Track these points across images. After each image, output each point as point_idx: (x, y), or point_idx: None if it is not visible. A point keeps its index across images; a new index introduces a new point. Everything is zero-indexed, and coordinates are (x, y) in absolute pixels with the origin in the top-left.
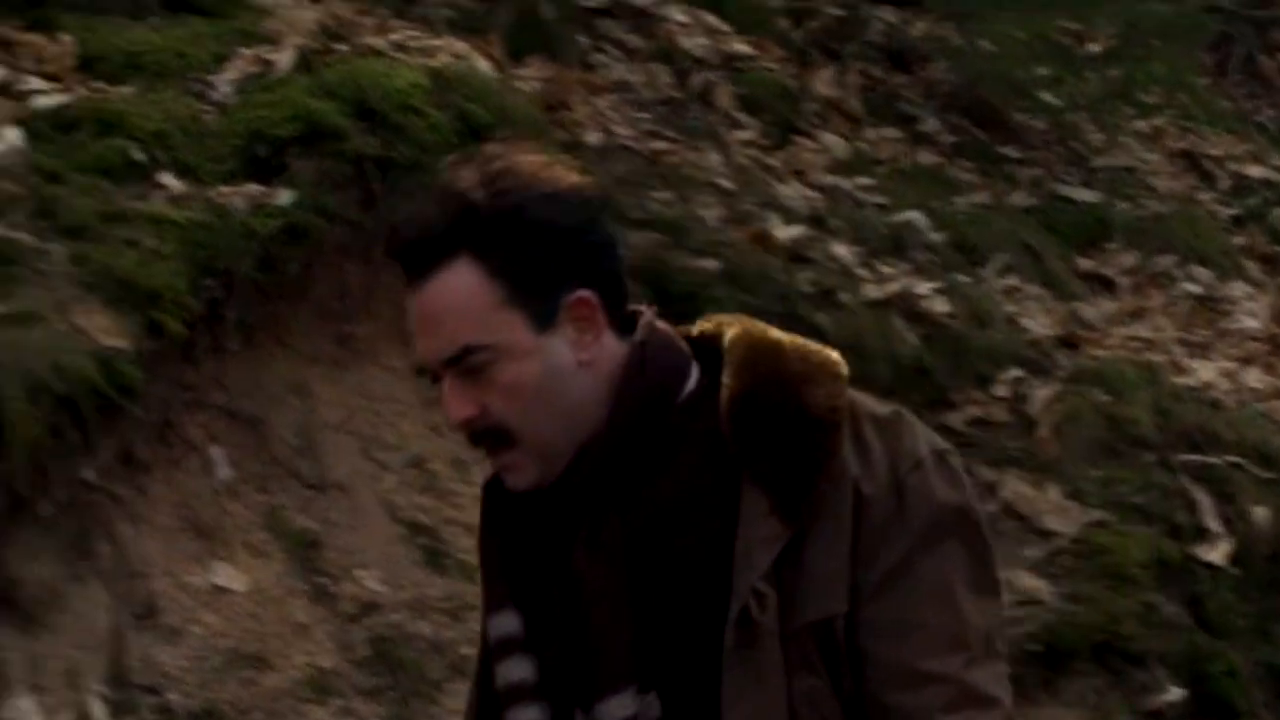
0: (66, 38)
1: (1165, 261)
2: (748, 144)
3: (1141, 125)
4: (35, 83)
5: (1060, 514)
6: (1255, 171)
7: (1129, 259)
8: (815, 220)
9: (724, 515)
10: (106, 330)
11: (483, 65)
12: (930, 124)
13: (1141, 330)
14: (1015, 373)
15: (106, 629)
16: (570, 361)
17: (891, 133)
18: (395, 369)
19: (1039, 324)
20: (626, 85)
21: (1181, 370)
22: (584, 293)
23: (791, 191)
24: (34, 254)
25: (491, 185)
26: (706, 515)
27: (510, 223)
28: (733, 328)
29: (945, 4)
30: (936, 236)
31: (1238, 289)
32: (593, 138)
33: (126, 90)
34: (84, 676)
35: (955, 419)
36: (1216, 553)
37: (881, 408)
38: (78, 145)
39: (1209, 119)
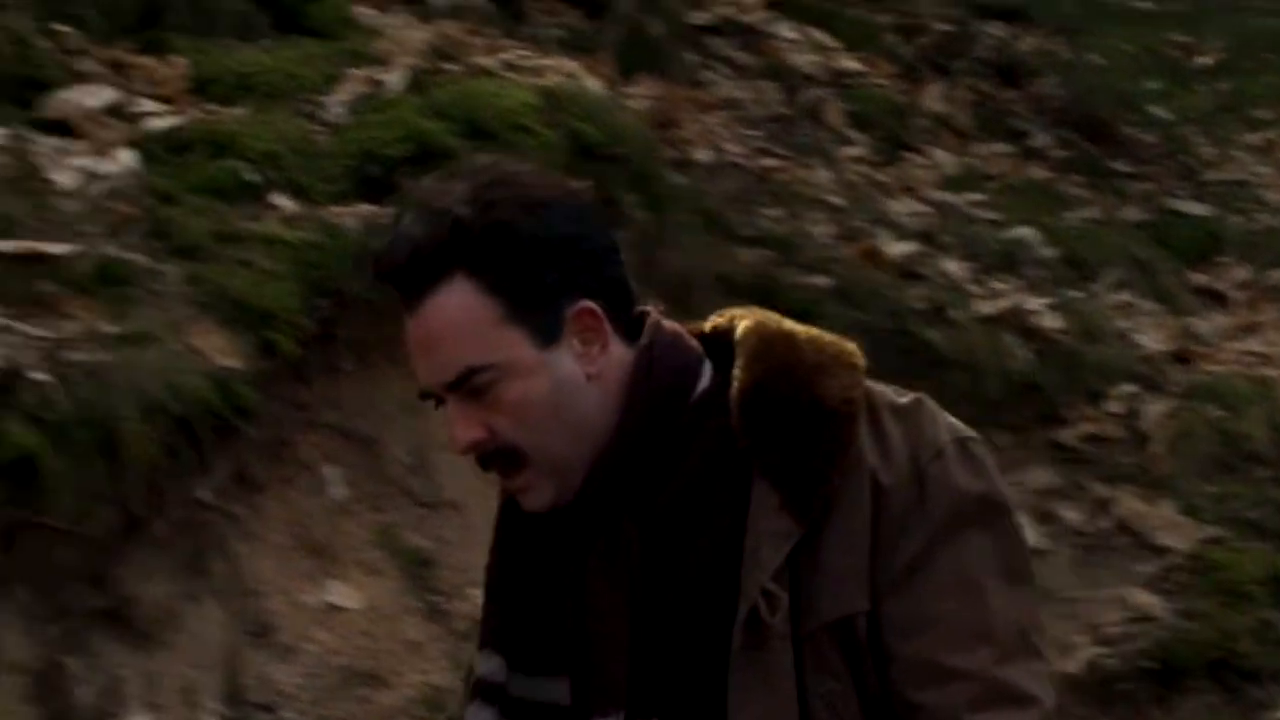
0: (179, 60)
1: (1278, 275)
2: (857, 160)
3: (1253, 138)
4: (148, 105)
5: (1174, 530)
6: None
7: (1241, 273)
8: (926, 236)
9: (734, 512)
10: (221, 350)
11: (593, 84)
12: (1040, 139)
13: (1255, 344)
14: (1128, 388)
15: (222, 647)
16: (577, 375)
17: (1001, 148)
18: None
19: (1151, 339)
20: (736, 102)
21: None
22: (587, 303)
23: (902, 208)
24: (149, 275)
25: (481, 200)
26: (717, 513)
27: (503, 237)
28: (745, 320)
29: (1054, 18)
30: (1048, 252)
31: None
32: (702, 155)
33: (238, 111)
34: (199, 695)
35: (1068, 435)
36: None
37: (901, 397)
38: (191, 166)
39: None
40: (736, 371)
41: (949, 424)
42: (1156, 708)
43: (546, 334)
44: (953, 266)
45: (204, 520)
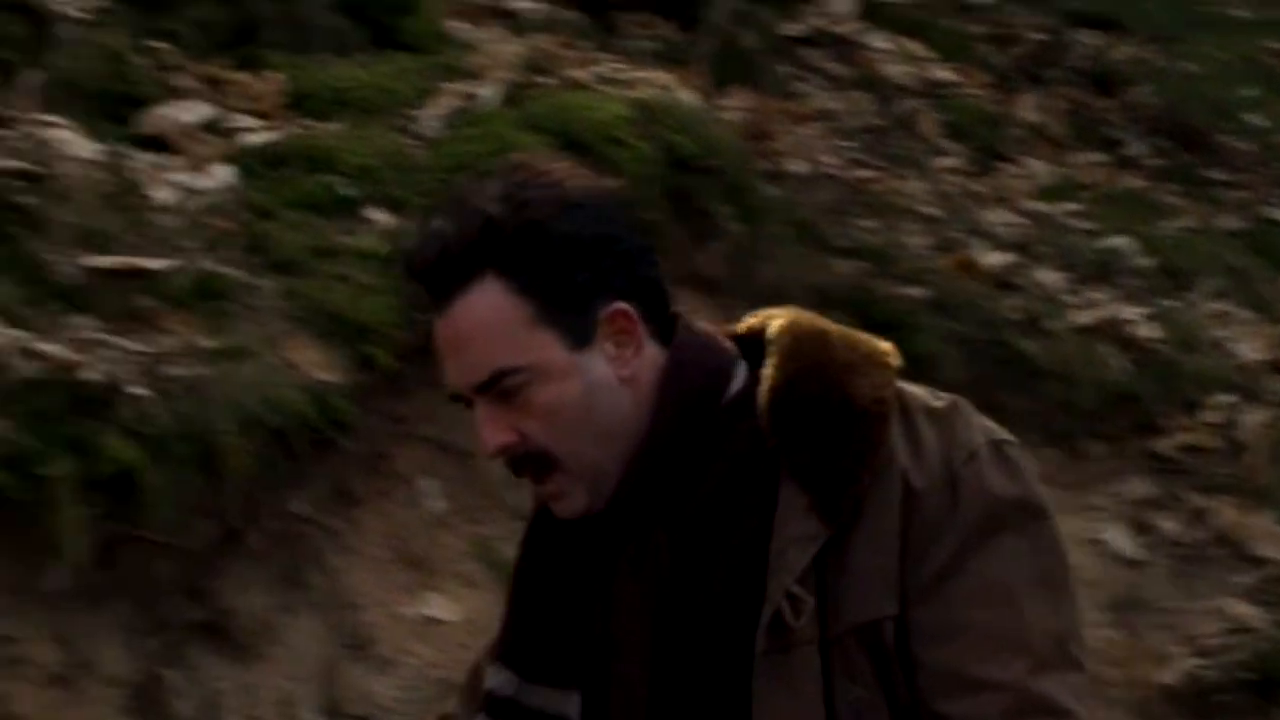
0: (275, 75)
1: None
2: (952, 171)
3: None
4: (245, 120)
5: (1272, 541)
6: None
7: None
8: (1021, 247)
9: (763, 516)
10: (317, 364)
11: (686, 96)
12: (1135, 147)
13: None
14: (1225, 398)
15: (319, 660)
16: (610, 378)
17: (1096, 157)
18: None
19: (1249, 348)
20: (830, 114)
21: None
22: (620, 305)
23: (996, 218)
24: (246, 289)
25: (513, 198)
26: (745, 515)
27: (536, 236)
28: (779, 319)
29: (1148, 26)
30: (1143, 261)
31: None
32: (796, 167)
33: (334, 126)
34: (297, 707)
35: (1164, 445)
36: None
37: (936, 399)
38: (287, 181)
39: None
40: (767, 370)
41: (984, 426)
42: (1255, 719)
43: (579, 336)
44: (1048, 276)
45: (301, 533)
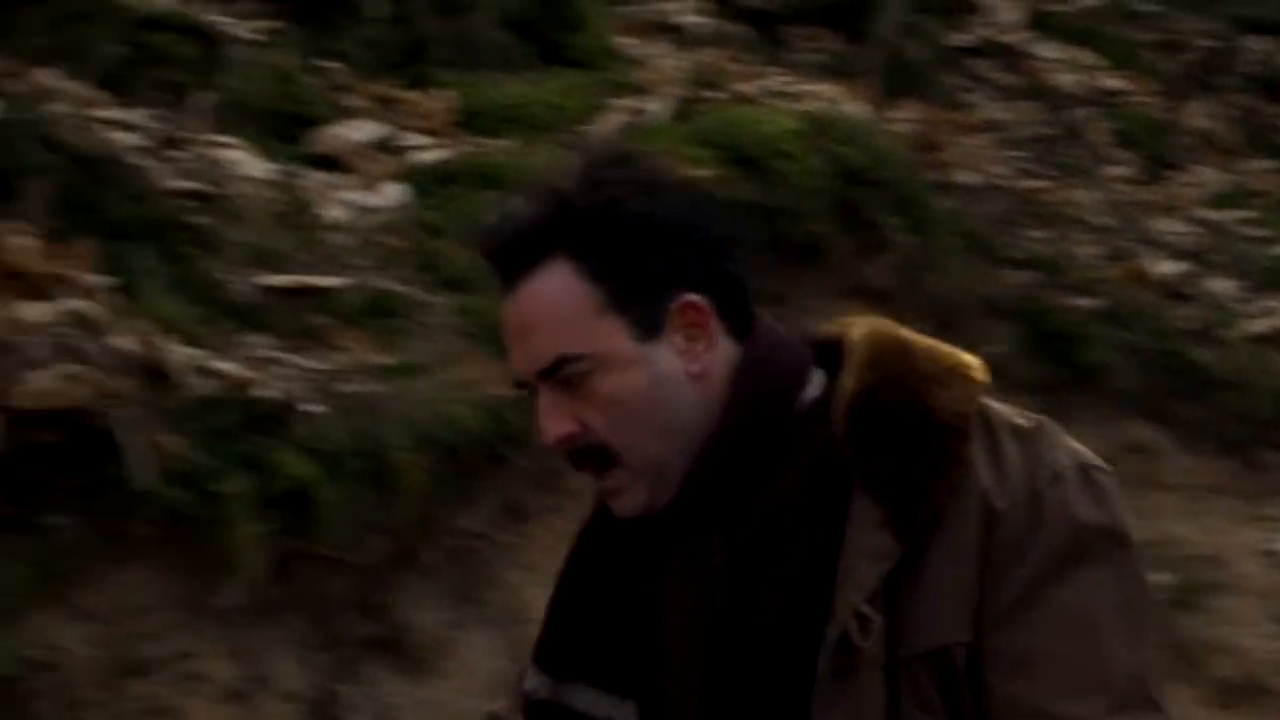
0: (445, 93)
1: None
2: (1122, 180)
3: None
4: (415, 138)
5: None
6: None
7: None
8: (1193, 255)
9: (832, 528)
10: (490, 380)
11: (854, 108)
12: None
13: None
14: None
15: (492, 674)
16: (678, 372)
17: (1268, 164)
18: None
19: None
20: (998, 124)
21: None
22: (693, 297)
23: (1167, 227)
24: (418, 306)
25: (590, 179)
26: (813, 527)
27: (609, 220)
28: (859, 327)
29: None
30: None
31: None
32: (965, 178)
33: (504, 143)
34: None
35: None
36: None
37: (1023, 418)
38: (458, 199)
39: None
40: (845, 378)
41: (1072, 449)
42: None
43: (648, 326)
44: (1220, 285)
45: (473, 549)
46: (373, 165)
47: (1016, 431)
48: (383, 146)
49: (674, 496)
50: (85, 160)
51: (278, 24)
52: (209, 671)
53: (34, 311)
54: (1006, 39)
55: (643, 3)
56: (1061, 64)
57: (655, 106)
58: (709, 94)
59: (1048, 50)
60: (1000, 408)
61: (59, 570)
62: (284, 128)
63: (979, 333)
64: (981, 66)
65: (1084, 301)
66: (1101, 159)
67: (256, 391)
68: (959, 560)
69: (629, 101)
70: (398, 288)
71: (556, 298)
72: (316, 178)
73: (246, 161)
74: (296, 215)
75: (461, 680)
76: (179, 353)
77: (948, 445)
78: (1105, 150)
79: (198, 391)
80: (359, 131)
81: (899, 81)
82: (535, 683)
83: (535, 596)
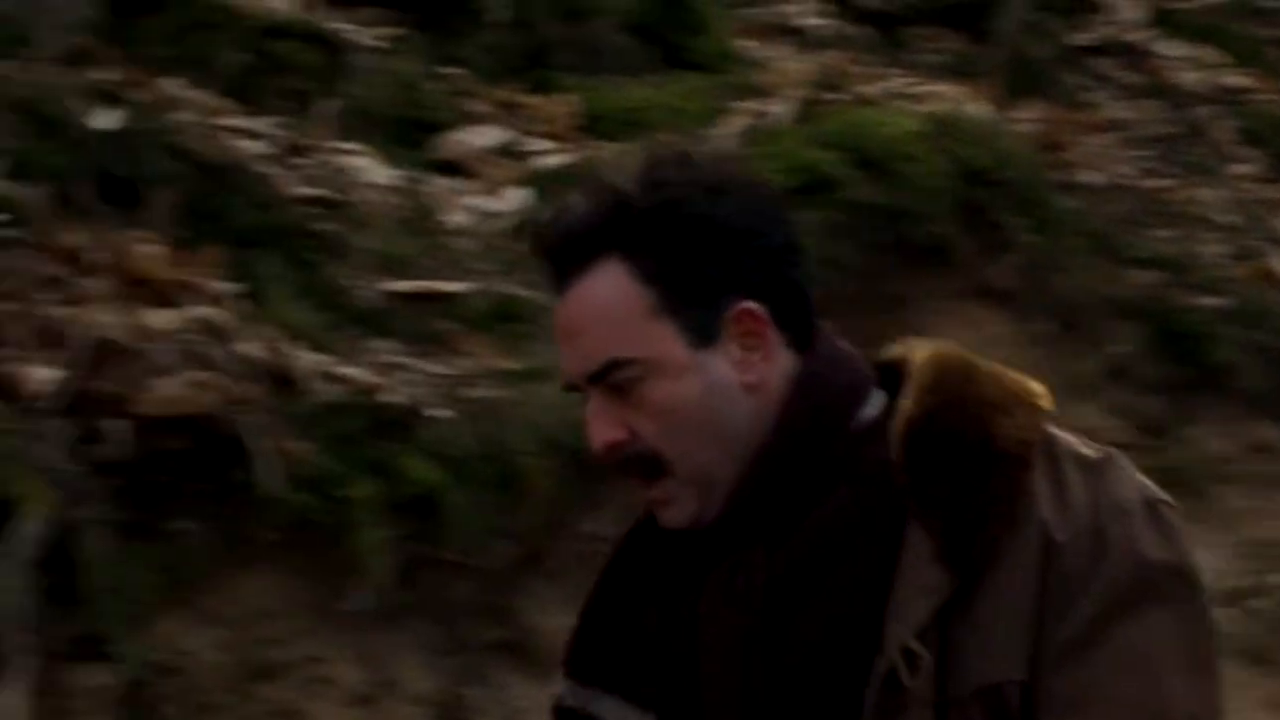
0: (568, 98)
1: None
2: (1248, 178)
3: None
4: (538, 143)
5: None
6: None
7: None
8: None
9: (883, 555)
10: None
11: (977, 108)
12: None
13: None
14: None
15: None
16: (733, 382)
17: None
18: None
19: None
20: (1122, 123)
21: None
22: (750, 304)
23: None
24: (543, 311)
25: (650, 178)
26: (862, 553)
27: (666, 220)
28: (922, 350)
29: None
30: None
31: None
32: (1089, 177)
33: (627, 147)
34: None
35: None
36: None
37: (1089, 448)
38: None
39: None
40: (904, 402)
41: (1140, 483)
42: None
43: (702, 333)
44: None
45: (599, 552)
46: (496, 170)
47: (1082, 462)
48: (505, 151)
49: (721, 511)
50: (211, 168)
51: (400, 30)
52: (336, 676)
53: (161, 319)
54: (1129, 37)
55: (763, 5)
56: (1185, 62)
57: (778, 109)
58: (831, 96)
59: (1171, 48)
60: (1066, 437)
61: (187, 575)
62: (407, 134)
63: (1104, 333)
64: (1104, 65)
65: (1210, 301)
66: (1226, 157)
67: (382, 397)
68: (1016, 594)
69: (751, 104)
70: (522, 292)
71: (608, 299)
72: (440, 183)
73: (370, 168)
74: (420, 221)
75: None
76: (305, 358)
77: (1008, 474)
78: (1230, 148)
79: (324, 397)
80: (482, 137)
81: (1021, 81)
82: (563, 689)
83: None
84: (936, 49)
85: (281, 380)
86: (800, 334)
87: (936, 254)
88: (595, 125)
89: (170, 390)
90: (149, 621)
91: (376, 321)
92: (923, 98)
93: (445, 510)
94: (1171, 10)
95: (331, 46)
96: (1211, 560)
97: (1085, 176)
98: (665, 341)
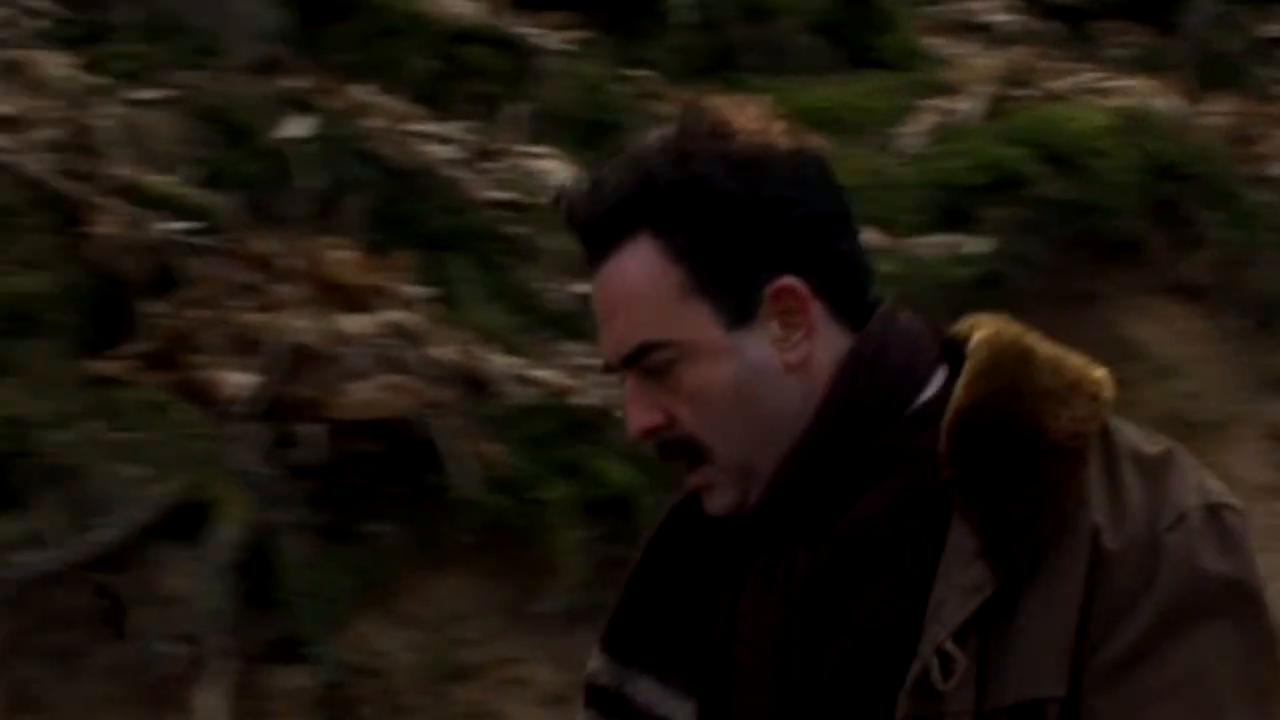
0: (755, 98)
1: None
2: None
3: None
4: None
5: None
6: None
7: None
8: None
9: (927, 554)
10: None
11: (1165, 103)
12: None
13: None
14: None
15: None
16: (774, 363)
17: None
18: None
19: None
20: None
21: None
22: (789, 280)
23: None
24: None
25: (678, 149)
26: (906, 551)
27: (696, 194)
28: (982, 328)
29: None
30: None
31: None
32: None
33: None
34: None
35: None
36: None
37: (1150, 444)
38: None
39: None
40: (957, 389)
41: (1203, 485)
42: None
43: (738, 312)
44: None
45: None
46: None
47: (1140, 460)
48: None
49: (762, 497)
50: (401, 174)
51: (587, 34)
52: (530, 676)
53: (354, 323)
54: None
55: (950, 2)
56: None
57: (966, 106)
58: (1019, 92)
59: None
60: (1127, 430)
61: (381, 578)
62: (595, 136)
63: None
64: None
65: None
66: None
67: (575, 399)
68: (1060, 603)
69: (939, 102)
70: None
71: (638, 278)
72: None
73: (559, 170)
74: None
75: None
76: (497, 361)
77: (1059, 470)
78: None
79: (517, 400)
80: None
81: (1211, 74)
82: (597, 665)
83: None
84: (1124, 43)
85: (474, 383)
86: (852, 309)
87: (1127, 249)
88: None
89: (364, 394)
90: (345, 624)
91: (568, 324)
92: (1111, 92)
93: (638, 511)
94: None
95: (519, 51)
96: None
97: (1277, 170)
98: (698, 322)
